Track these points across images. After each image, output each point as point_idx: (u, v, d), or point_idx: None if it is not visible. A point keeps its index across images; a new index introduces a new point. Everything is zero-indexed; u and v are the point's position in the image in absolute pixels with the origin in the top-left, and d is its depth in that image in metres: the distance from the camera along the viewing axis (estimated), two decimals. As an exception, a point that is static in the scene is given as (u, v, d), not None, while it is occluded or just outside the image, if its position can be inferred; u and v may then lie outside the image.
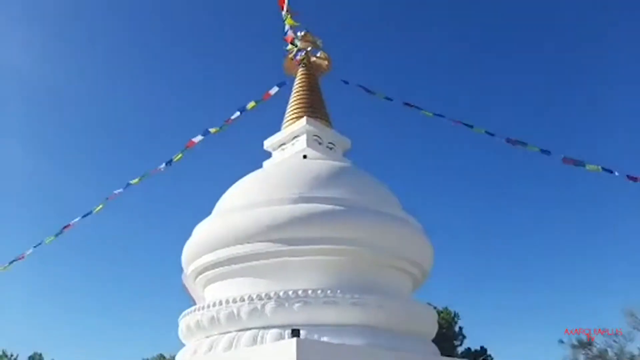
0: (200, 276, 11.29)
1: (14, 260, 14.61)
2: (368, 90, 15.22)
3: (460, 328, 40.38)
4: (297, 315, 9.05)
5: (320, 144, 13.35)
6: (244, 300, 9.37)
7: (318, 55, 15.26)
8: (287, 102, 14.61)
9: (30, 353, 44.32)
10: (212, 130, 14.61)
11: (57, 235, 14.52)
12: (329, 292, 9.23)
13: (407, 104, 14.56)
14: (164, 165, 14.51)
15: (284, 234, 9.84)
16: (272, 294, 9.23)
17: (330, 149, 13.53)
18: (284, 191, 10.57)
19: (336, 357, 7.53)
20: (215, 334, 9.75)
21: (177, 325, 11.01)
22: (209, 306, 9.87)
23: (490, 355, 38.54)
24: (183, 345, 10.92)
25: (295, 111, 13.82)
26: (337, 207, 10.07)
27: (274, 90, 15.09)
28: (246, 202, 10.77)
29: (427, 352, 9.94)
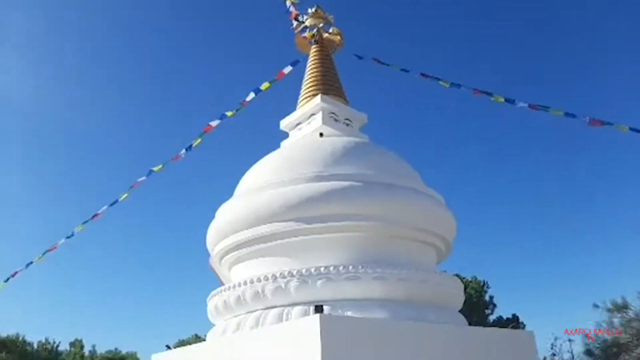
0: (225, 258, 11.51)
1: (47, 251, 15.17)
2: (383, 63, 14.99)
3: (491, 297, 40.23)
4: (320, 291, 9.17)
5: (336, 121, 13.28)
6: (268, 279, 9.52)
7: (330, 31, 15.07)
8: (302, 81, 14.55)
9: (71, 339, 46.26)
10: (228, 113, 14.67)
11: (85, 223, 14.96)
12: (350, 267, 9.30)
13: (424, 74, 14.30)
14: (184, 151, 14.70)
15: (302, 213, 9.89)
16: (295, 272, 9.36)
17: (347, 125, 13.45)
18: (300, 170, 10.59)
19: (360, 331, 7.62)
20: (243, 313, 9.98)
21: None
22: (234, 286, 10.07)
23: (522, 323, 38.38)
24: (213, 325, 11.21)
25: (309, 89, 13.75)
26: (355, 184, 10.05)
27: (287, 69, 15.00)
28: (264, 183, 10.85)
29: (452, 322, 9.95)
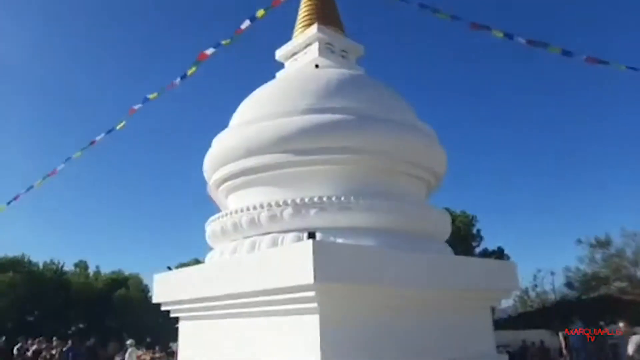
0: (222, 186, 11.84)
1: (47, 176, 15.44)
2: None
3: (479, 230, 41.66)
4: (314, 219, 9.60)
5: (332, 52, 13.12)
6: (263, 207, 9.91)
7: (328, -44, 14.44)
8: (298, 8, 14.18)
9: (76, 260, 47.88)
10: (223, 42, 14.40)
11: (83, 149, 15.12)
12: (342, 198, 9.68)
13: (422, 5, 13.95)
14: (178, 79, 14.57)
15: (294, 145, 10.10)
16: (289, 201, 9.73)
17: (343, 57, 13.31)
18: (294, 103, 10.66)
19: (350, 257, 8.04)
20: (239, 238, 10.47)
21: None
22: (231, 213, 10.49)
23: (507, 255, 40.03)
24: (211, 249, 11.74)
25: (305, 18, 13.44)
26: (348, 117, 10.18)
27: (283, -5, 14.53)
28: (257, 114, 10.95)
29: (439, 251, 10.50)
